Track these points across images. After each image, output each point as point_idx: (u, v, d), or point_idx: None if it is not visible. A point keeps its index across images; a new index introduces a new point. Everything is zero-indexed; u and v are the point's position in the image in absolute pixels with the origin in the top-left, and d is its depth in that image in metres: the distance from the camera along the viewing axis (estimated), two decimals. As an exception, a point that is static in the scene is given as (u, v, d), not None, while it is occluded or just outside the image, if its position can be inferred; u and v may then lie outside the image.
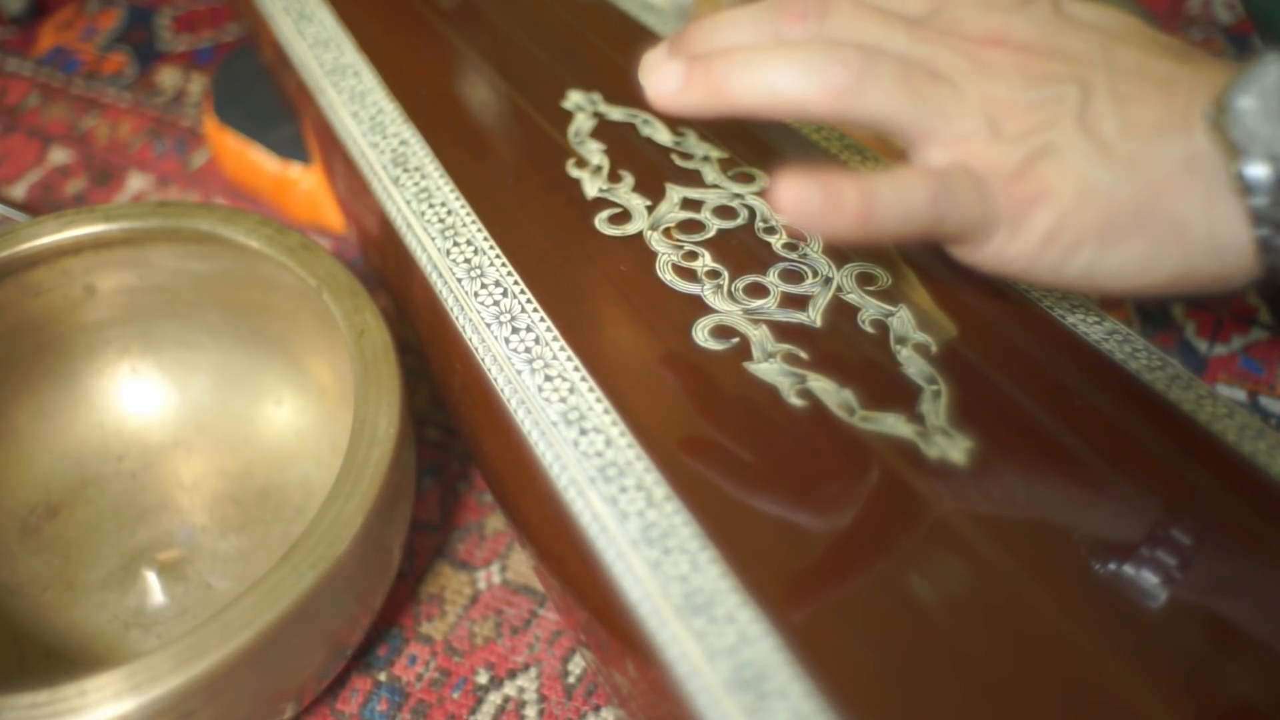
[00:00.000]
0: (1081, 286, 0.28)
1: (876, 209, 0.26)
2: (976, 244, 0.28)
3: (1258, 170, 0.25)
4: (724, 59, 0.29)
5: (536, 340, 0.32)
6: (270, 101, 0.51)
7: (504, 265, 0.34)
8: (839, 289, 0.33)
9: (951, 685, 0.24)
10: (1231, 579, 0.27)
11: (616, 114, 0.39)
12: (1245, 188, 0.25)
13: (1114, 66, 0.27)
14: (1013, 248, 0.28)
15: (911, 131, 0.28)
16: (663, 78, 0.30)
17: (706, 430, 0.30)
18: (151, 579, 0.37)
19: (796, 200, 0.26)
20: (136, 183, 0.55)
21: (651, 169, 0.37)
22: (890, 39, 0.28)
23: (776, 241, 0.34)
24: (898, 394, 0.30)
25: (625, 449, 0.29)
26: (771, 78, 0.28)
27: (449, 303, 0.34)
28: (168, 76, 0.60)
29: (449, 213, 0.36)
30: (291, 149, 0.49)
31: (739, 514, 0.27)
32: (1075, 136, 0.26)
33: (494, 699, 0.36)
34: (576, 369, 0.31)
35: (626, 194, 0.36)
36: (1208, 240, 0.26)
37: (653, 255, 0.34)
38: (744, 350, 0.31)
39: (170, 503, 0.40)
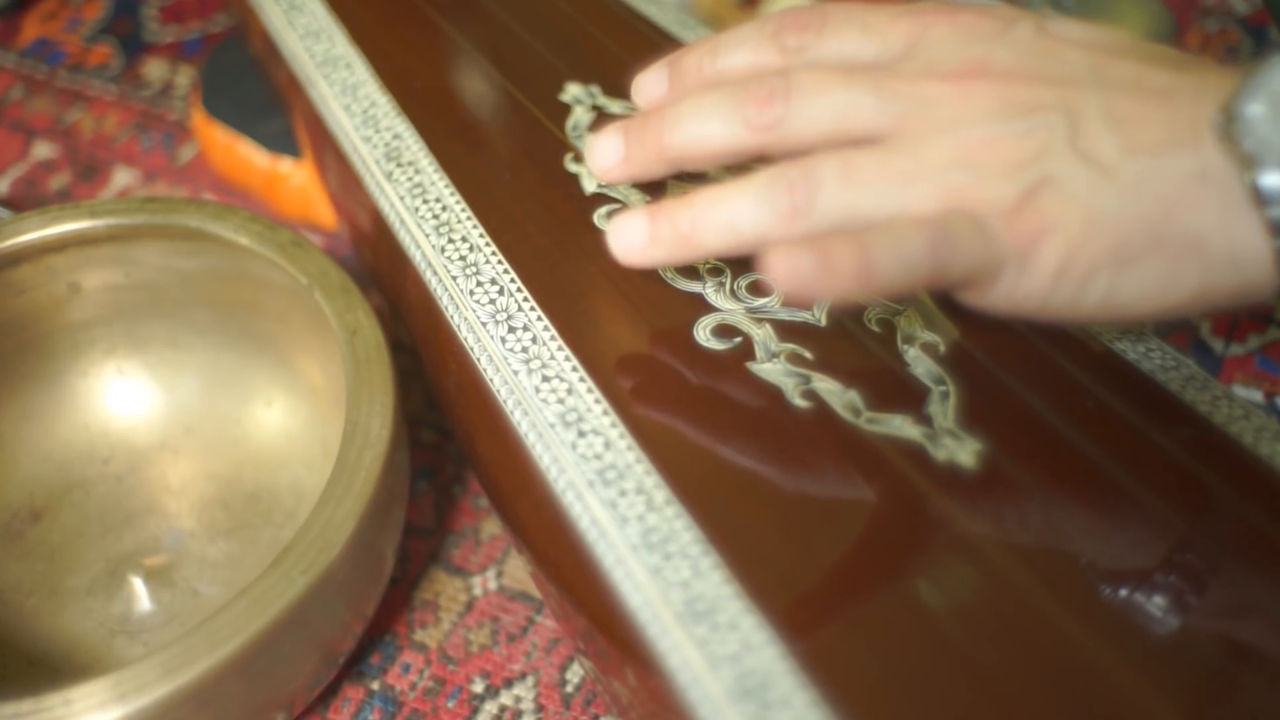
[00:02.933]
0: (1101, 317, 0.28)
1: (875, 266, 0.26)
2: (985, 287, 0.28)
3: (1273, 179, 0.24)
4: (686, 205, 0.29)
5: (534, 340, 0.32)
6: (260, 94, 0.51)
7: (500, 262, 0.34)
8: (844, 287, 0.33)
9: (960, 695, 0.24)
10: (1250, 586, 0.27)
11: (616, 107, 0.39)
12: (1261, 198, 0.24)
13: (1107, 84, 0.26)
14: (1024, 286, 0.27)
15: (880, 215, 0.27)
16: (627, 233, 0.31)
17: (708, 432, 0.30)
18: (138, 585, 0.37)
19: (789, 269, 0.26)
20: (122, 178, 0.55)
21: (652, 164, 0.37)
22: (858, 104, 0.28)
23: (780, 238, 0.34)
24: (905, 395, 0.30)
25: (625, 451, 0.29)
26: (730, 216, 0.29)
27: (444, 301, 0.34)
28: (154, 68, 0.60)
29: (443, 208, 0.36)
30: (282, 143, 0.49)
31: (742, 518, 0.27)
32: (1072, 163, 0.26)
33: (490, 708, 0.36)
34: (575, 369, 0.31)
35: (626, 189, 0.36)
36: (1226, 255, 0.25)
37: (653, 252, 0.34)
38: (747, 350, 0.31)
39: (157, 507, 0.40)
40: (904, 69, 0.28)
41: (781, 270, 0.26)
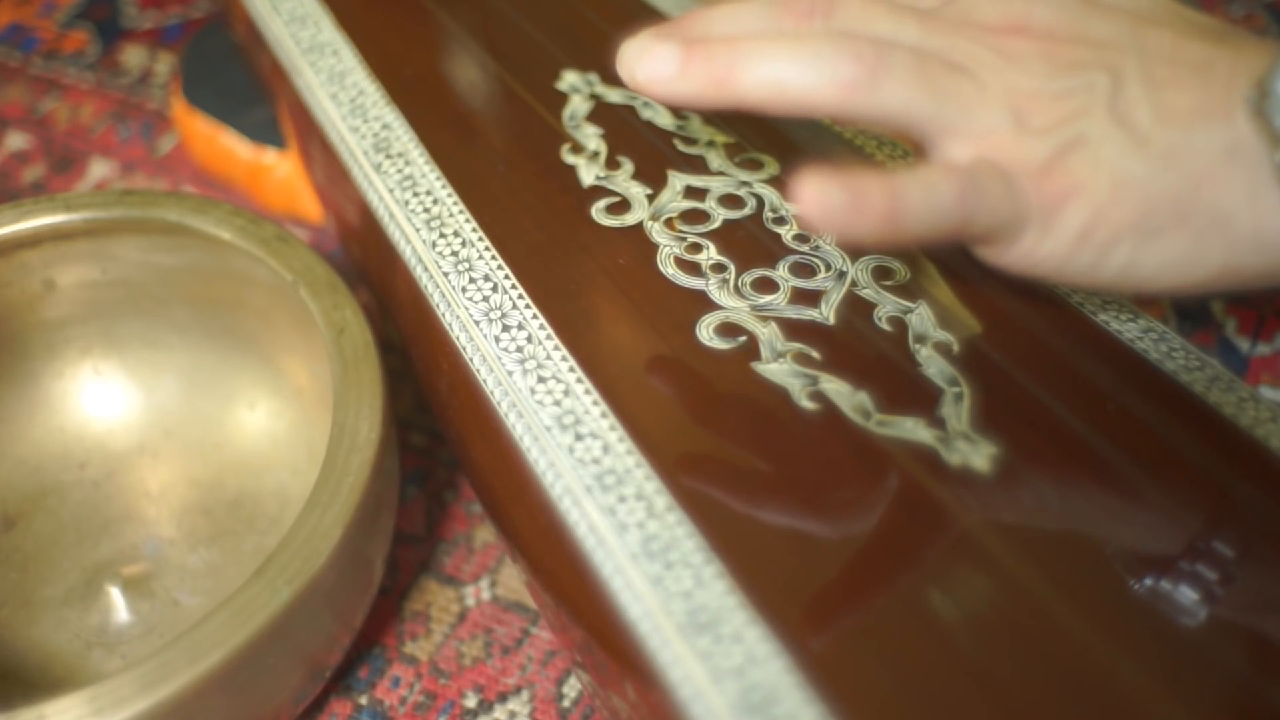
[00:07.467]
0: (1119, 287, 0.28)
1: (904, 209, 0.26)
2: (1006, 244, 0.28)
3: None
4: (727, 46, 0.29)
5: (529, 339, 0.32)
6: (243, 82, 0.51)
7: (494, 258, 0.34)
8: (853, 284, 0.33)
9: (974, 710, 0.24)
10: (1275, 595, 0.27)
11: (615, 96, 0.39)
12: None
13: (1145, 51, 0.27)
14: (1045, 247, 0.28)
15: (930, 127, 0.28)
16: (656, 60, 0.29)
17: (711, 436, 0.30)
18: (115, 595, 0.37)
19: (820, 201, 0.26)
20: (99, 169, 0.55)
21: (652, 155, 0.37)
22: (901, 33, 0.28)
23: (786, 233, 0.34)
24: (917, 396, 0.30)
25: (624, 455, 0.29)
26: (779, 70, 0.28)
27: (435, 298, 0.34)
28: (133, 55, 0.60)
29: (435, 202, 0.36)
30: (266, 133, 0.49)
31: (746, 525, 0.27)
32: (1107, 127, 0.26)
33: (483, 724, 0.36)
34: (572, 370, 0.31)
35: (625, 182, 0.36)
36: (1252, 234, 0.26)
37: (654, 247, 0.34)
38: (752, 349, 0.31)
39: (135, 513, 0.40)
40: (945, 13, 0.29)
41: (812, 199, 0.26)
